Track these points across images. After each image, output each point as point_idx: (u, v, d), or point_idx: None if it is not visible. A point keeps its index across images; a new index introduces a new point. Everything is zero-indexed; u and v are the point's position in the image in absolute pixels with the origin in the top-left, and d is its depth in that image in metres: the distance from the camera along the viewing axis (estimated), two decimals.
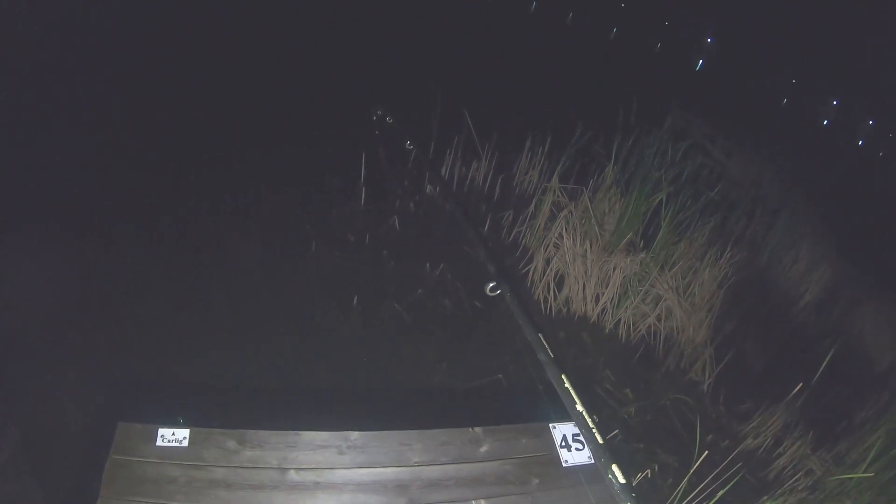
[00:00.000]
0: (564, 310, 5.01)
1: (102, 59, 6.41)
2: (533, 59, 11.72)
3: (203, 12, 8.64)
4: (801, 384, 3.38)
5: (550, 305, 4.96)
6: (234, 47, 7.78)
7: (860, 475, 3.54)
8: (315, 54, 8.75)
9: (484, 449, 2.71)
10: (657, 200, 5.05)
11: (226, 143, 5.65)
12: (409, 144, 2.86)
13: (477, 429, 2.79)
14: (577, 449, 2.91)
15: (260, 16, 9.41)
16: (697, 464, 3.01)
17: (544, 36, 13.51)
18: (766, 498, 3.29)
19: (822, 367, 4.11)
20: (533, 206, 5.35)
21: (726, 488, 3.09)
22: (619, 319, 5.00)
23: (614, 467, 1.49)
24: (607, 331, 5.02)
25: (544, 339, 1.86)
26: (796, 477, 3.81)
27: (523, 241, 5.33)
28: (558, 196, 5.21)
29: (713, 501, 3.06)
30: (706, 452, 3.01)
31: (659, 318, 4.97)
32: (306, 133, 6.20)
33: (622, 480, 1.47)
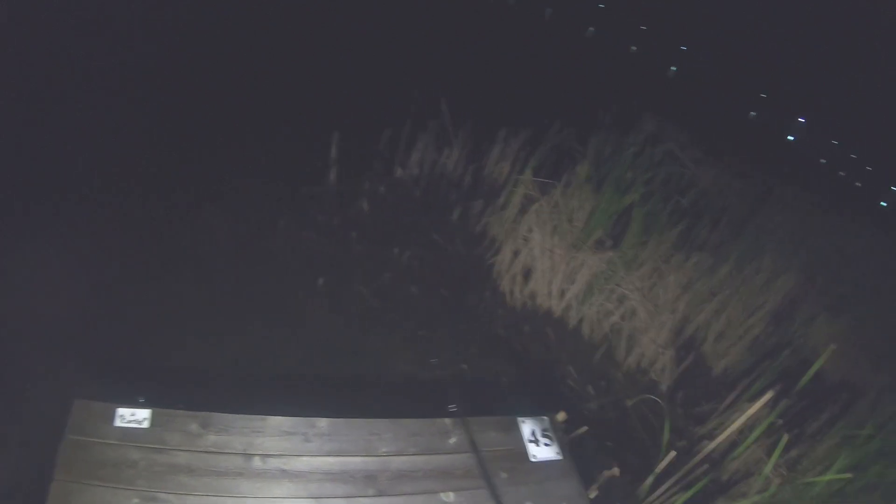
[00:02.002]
0: (529, 303, 5.00)
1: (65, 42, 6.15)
2: (511, 52, 11.71)
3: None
4: (769, 393, 3.39)
5: (516, 298, 4.94)
6: (205, 31, 7.58)
7: (830, 477, 3.60)
8: (289, 35, 8.59)
9: (453, 441, 2.70)
10: (629, 201, 5.06)
11: (194, 120, 5.50)
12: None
13: (446, 420, 2.76)
14: (545, 444, 2.92)
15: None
16: (663, 464, 3.02)
17: (524, 30, 13.51)
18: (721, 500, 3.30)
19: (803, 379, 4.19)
20: (503, 197, 5.31)
21: (688, 493, 3.10)
22: (583, 316, 5.01)
23: None
24: (571, 326, 5.02)
25: None
26: (752, 480, 3.85)
27: (492, 232, 5.29)
28: (530, 189, 5.18)
29: None
30: (673, 453, 3.02)
31: (623, 318, 4.99)
32: (276, 111, 6.07)
33: None
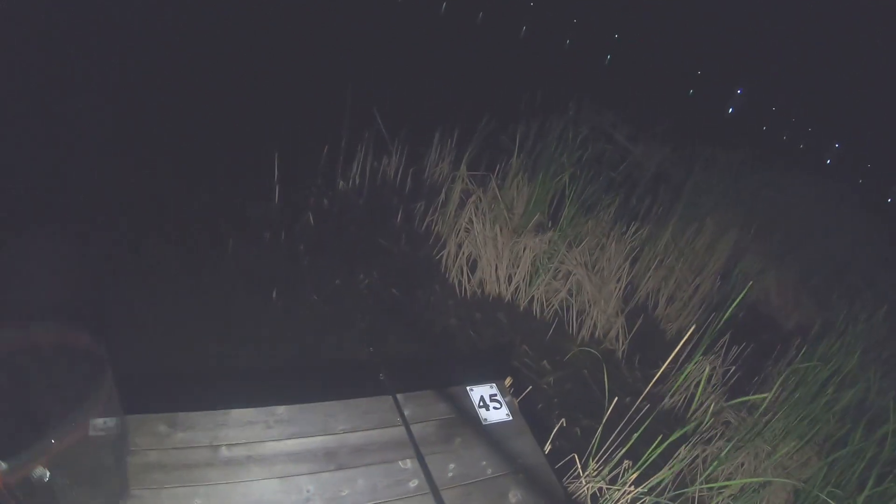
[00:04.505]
0: (479, 291, 5.16)
1: None
2: (441, 54, 11.88)
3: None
4: (692, 328, 3.58)
5: (465, 288, 5.09)
6: (149, 57, 7.66)
7: (758, 396, 3.80)
8: (230, 46, 8.68)
9: (406, 414, 2.82)
10: (562, 182, 5.26)
11: (139, 140, 5.58)
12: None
13: (398, 395, 2.90)
14: (494, 408, 3.07)
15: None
16: (609, 411, 3.18)
17: (453, 31, 13.71)
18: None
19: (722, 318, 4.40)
20: (443, 194, 5.48)
21: (638, 432, 3.27)
22: (533, 297, 5.19)
23: None
24: (522, 308, 5.20)
25: None
26: (710, 423, 4.05)
27: (436, 229, 5.46)
28: (467, 184, 5.36)
29: (627, 446, 3.25)
30: (616, 399, 3.18)
31: (570, 293, 5.18)
32: (216, 139, 6.17)
33: None
